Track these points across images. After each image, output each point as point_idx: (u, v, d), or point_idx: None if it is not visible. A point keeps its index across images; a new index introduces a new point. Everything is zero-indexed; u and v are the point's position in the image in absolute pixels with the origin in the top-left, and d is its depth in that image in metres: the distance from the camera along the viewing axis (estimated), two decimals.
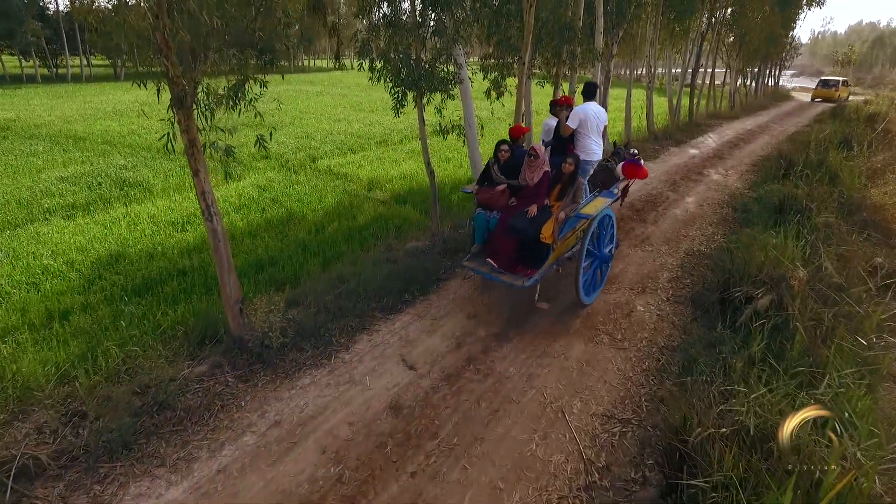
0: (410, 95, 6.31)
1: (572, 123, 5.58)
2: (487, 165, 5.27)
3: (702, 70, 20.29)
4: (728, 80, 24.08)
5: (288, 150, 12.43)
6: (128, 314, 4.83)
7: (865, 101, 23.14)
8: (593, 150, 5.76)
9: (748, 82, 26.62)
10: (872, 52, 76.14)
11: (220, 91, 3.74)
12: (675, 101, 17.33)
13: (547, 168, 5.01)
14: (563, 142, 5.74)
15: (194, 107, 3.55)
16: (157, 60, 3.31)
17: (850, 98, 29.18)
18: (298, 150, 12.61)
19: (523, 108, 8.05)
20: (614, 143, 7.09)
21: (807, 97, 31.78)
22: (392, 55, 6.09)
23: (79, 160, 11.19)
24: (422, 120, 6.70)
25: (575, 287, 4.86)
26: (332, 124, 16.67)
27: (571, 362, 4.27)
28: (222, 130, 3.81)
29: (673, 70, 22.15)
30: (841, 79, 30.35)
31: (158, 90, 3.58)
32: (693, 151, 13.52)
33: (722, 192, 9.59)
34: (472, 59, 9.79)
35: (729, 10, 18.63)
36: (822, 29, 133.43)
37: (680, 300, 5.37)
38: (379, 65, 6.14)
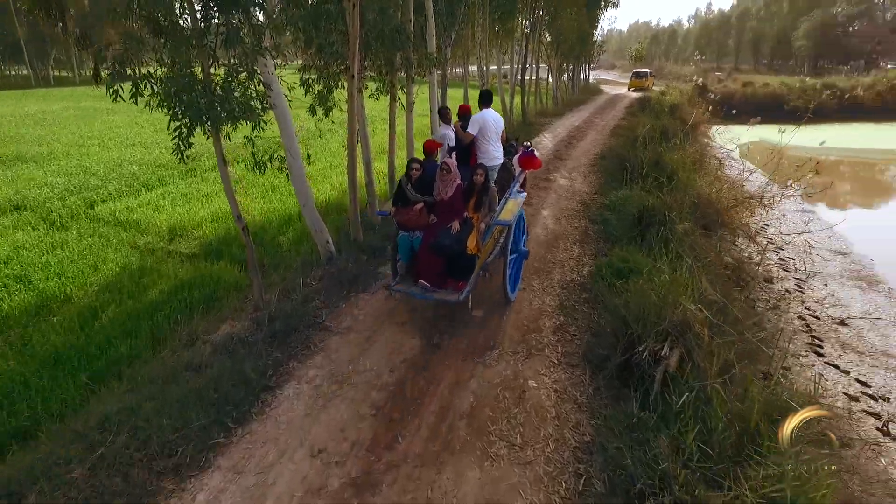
0: (201, 129, 4.53)
1: (472, 130, 5.69)
2: (400, 185, 5.09)
3: (528, 69, 20.85)
4: (550, 78, 25.37)
5: (53, 195, 9.37)
6: None
7: (662, 93, 26.13)
8: (495, 154, 5.86)
9: (566, 79, 28.48)
10: (650, 48, 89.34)
11: None
12: (507, 101, 17.37)
13: (459, 181, 4.95)
14: (465, 149, 5.88)
15: None
16: None
17: (655, 88, 33.06)
18: (69, 192, 9.62)
19: (357, 125, 6.69)
20: (507, 139, 6.90)
21: (611, 88, 35.42)
22: (165, 75, 4.26)
23: None
24: (221, 160, 4.92)
25: (503, 289, 5.11)
26: (124, 151, 13.45)
27: None
28: None
29: (503, 69, 22.51)
30: (649, 70, 34.31)
31: None
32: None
33: (573, 200, 9.27)
34: (291, 64, 8.19)
35: (543, 11, 19.32)
36: (609, 27, 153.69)
37: (573, 360, 4.46)
38: (147, 91, 4.26)
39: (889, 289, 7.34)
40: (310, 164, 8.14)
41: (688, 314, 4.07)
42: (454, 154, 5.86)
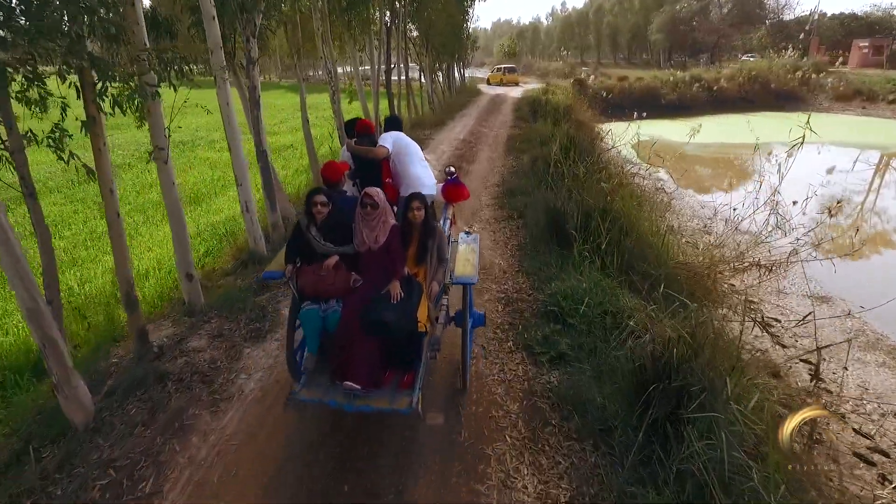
0: None
1: (385, 143, 4.18)
2: (299, 230, 3.38)
3: (396, 69, 16.81)
4: (423, 79, 21.64)
5: None
6: None
7: (545, 91, 23.71)
8: (424, 180, 4.22)
9: (442, 79, 24.92)
10: (517, 45, 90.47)
11: None
12: (371, 108, 13.30)
13: (393, 220, 3.37)
14: (374, 171, 4.19)
15: None
16: None
17: (524, 85, 30.99)
18: None
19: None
20: None
21: (489, 88, 33.38)
22: None
23: None
24: None
25: (462, 371, 3.75)
26: None
27: None
28: None
29: (364, 69, 18.35)
30: (513, 66, 32.96)
31: None
32: None
33: (483, 296, 5.50)
34: None
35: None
36: (474, 25, 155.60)
37: None
38: None
39: None
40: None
41: None
42: (356, 182, 4.31)
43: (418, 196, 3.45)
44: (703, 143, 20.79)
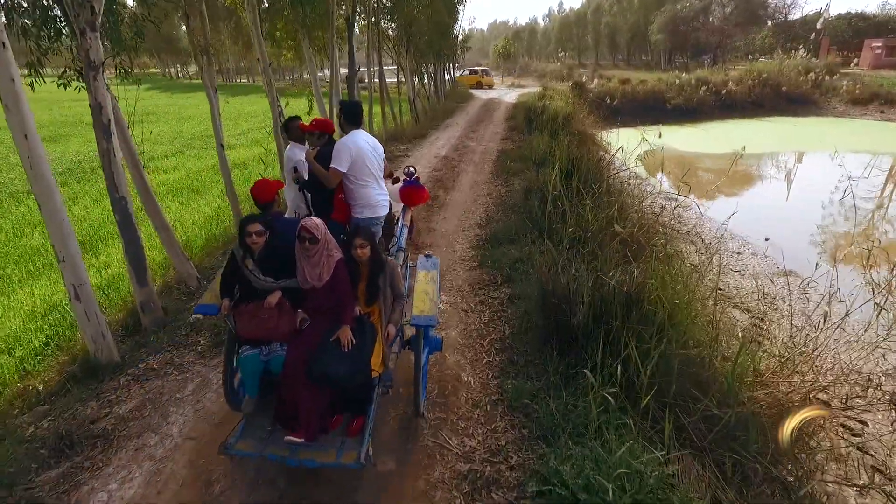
0: None
1: (340, 165, 3.67)
2: (233, 261, 3.03)
3: (369, 72, 14.52)
4: (405, 81, 19.41)
5: None
6: None
7: (541, 96, 21.50)
8: (378, 201, 3.93)
9: (427, 82, 22.65)
10: (513, 46, 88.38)
11: None
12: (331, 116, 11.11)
13: (339, 254, 3.01)
14: (324, 192, 3.89)
15: None
16: None
17: (519, 89, 28.99)
18: None
19: None
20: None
21: (482, 93, 31.66)
22: None
23: None
24: None
25: (414, 398, 3.32)
26: None
27: None
28: None
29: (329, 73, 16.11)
30: (484, 68, 33.28)
31: None
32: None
33: (463, 478, 3.33)
34: None
35: None
36: (470, 26, 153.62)
37: None
38: None
39: None
40: None
41: None
42: (308, 199, 4.01)
43: (362, 232, 3.16)
44: (718, 154, 18.72)
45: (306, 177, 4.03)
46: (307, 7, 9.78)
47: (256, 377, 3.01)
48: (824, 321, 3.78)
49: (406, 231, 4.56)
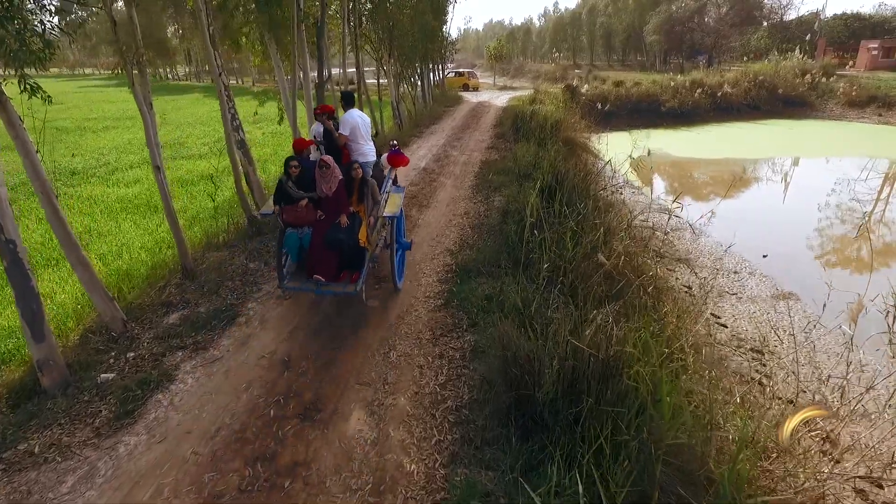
0: None
1: (345, 131, 5.72)
2: (281, 184, 5.07)
3: (344, 76, 13.76)
4: (388, 86, 18.67)
5: None
6: None
7: (532, 100, 20.81)
8: (366, 152, 5.90)
9: (413, 86, 21.88)
10: (508, 46, 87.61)
11: None
12: (300, 126, 10.39)
13: (340, 175, 5.04)
14: (336, 148, 5.73)
15: None
16: None
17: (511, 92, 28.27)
18: None
19: None
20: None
21: (472, 95, 30.88)
22: None
23: None
24: None
25: (392, 277, 5.52)
26: None
27: None
28: None
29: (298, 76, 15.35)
30: (470, 70, 35.19)
31: None
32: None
33: None
34: None
35: None
36: (465, 26, 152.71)
37: None
38: None
39: None
40: None
41: None
42: (323, 151, 5.70)
43: (356, 161, 5.32)
44: (712, 160, 18.12)
45: (321, 139, 5.80)
46: (273, 7, 9.07)
47: (295, 248, 4.97)
48: (841, 398, 3.10)
49: (391, 181, 6.16)
